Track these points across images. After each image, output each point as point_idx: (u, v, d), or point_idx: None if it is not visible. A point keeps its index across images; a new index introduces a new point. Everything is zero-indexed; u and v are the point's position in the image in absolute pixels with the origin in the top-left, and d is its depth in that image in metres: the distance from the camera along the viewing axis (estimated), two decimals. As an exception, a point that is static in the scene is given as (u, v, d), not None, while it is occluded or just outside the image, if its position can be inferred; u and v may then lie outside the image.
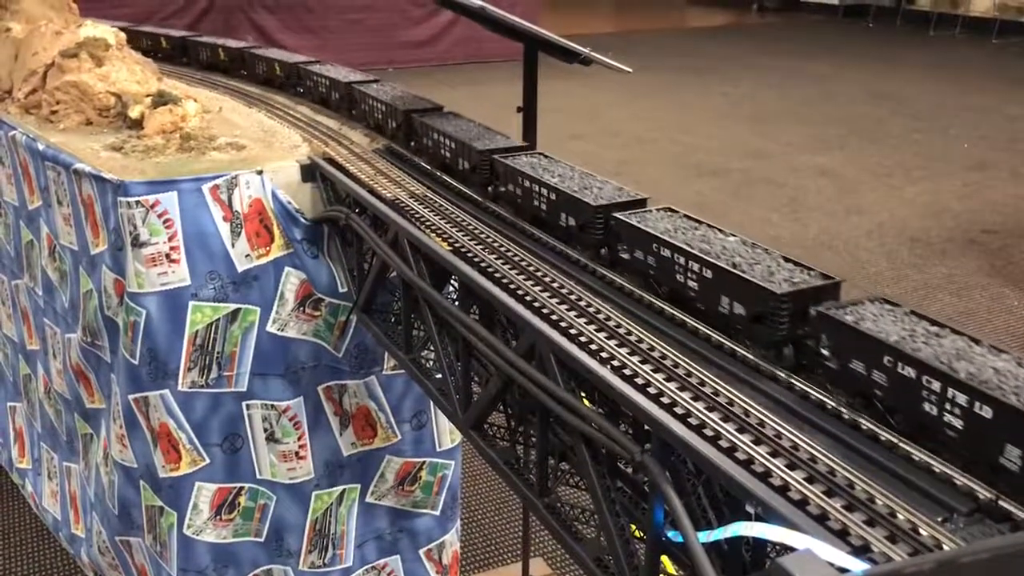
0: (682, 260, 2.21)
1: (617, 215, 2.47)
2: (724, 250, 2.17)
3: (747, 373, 1.99)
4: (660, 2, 26.80)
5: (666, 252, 2.27)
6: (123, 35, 4.42)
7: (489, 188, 3.10)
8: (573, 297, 2.36)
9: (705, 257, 2.15)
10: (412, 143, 3.65)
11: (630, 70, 3.46)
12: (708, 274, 2.13)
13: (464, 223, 2.89)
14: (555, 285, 2.43)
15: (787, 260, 2.11)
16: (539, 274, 2.51)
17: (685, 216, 2.45)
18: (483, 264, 2.59)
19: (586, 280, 2.48)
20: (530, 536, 4.27)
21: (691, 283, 2.19)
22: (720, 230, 2.32)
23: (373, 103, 3.92)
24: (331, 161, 3.50)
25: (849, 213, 9.53)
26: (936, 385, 1.63)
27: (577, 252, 2.63)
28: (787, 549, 1.54)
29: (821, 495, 1.56)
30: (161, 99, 3.92)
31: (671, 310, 2.24)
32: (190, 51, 5.32)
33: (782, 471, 1.62)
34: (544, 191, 2.75)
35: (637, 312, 2.28)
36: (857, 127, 12.74)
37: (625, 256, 2.45)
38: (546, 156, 3.02)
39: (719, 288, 2.10)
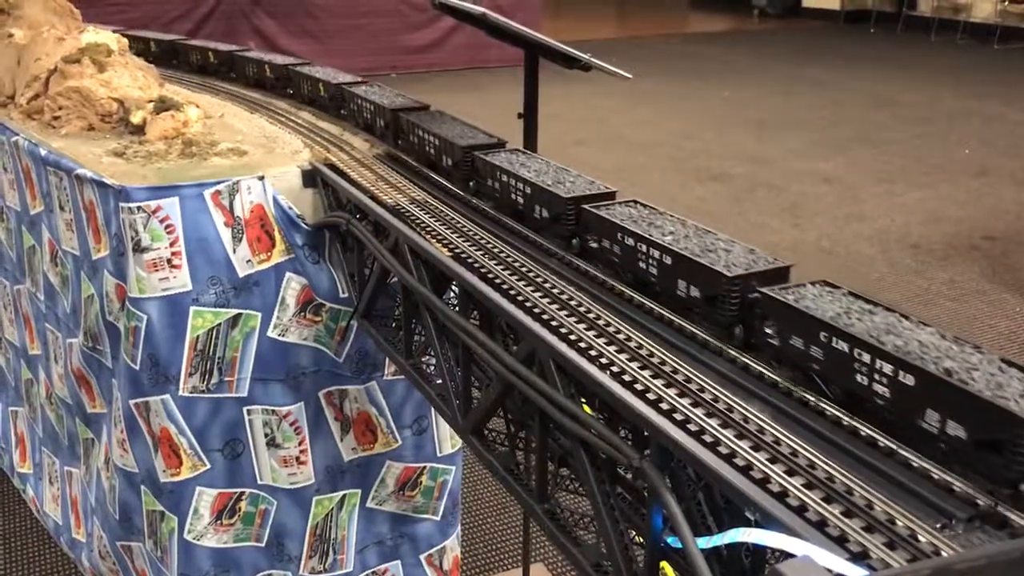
0: (867, 358, 1.75)
1: (764, 291, 2.03)
2: (923, 347, 1.73)
3: (747, 379, 1.99)
4: (662, 7, 26.83)
5: (842, 345, 1.81)
6: (125, 40, 4.43)
7: (574, 241, 2.68)
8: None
9: (903, 358, 1.69)
10: (472, 183, 3.19)
11: (630, 76, 3.46)
12: (908, 380, 1.68)
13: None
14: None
15: (1009, 364, 1.67)
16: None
17: (851, 294, 1.99)
18: (483, 270, 2.60)
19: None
20: (531, 542, 4.27)
21: (879, 388, 1.74)
22: (905, 316, 1.87)
23: (424, 135, 3.48)
24: (332, 167, 3.51)
25: (850, 219, 9.53)
26: None
27: (700, 328, 2.18)
28: (786, 555, 1.54)
29: (820, 501, 1.57)
30: (163, 105, 3.94)
31: (845, 417, 1.80)
32: (237, 66, 5.12)
33: (781, 477, 1.63)
34: (655, 252, 2.30)
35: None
36: (859, 133, 12.74)
37: (774, 342, 1.99)
38: (644, 205, 2.60)
39: (926, 400, 1.65)
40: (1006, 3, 19.15)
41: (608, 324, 2.23)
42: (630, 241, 2.39)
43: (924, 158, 11.61)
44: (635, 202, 2.63)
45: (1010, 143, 12.13)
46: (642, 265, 2.35)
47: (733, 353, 2.06)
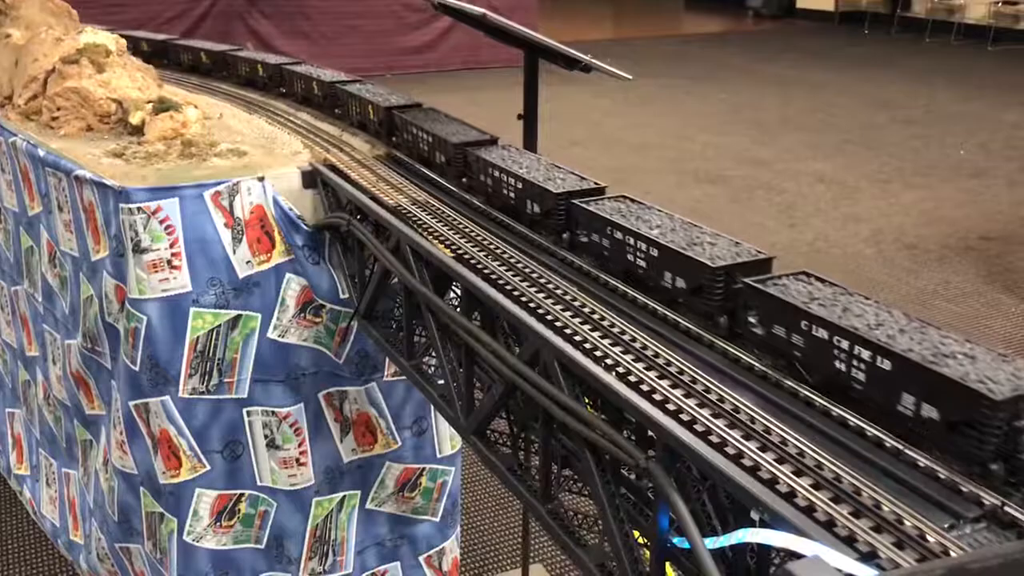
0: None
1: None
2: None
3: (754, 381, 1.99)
4: (656, 9, 26.87)
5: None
6: (123, 41, 4.41)
7: (721, 319, 2.18)
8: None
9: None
10: (567, 234, 2.70)
11: (631, 77, 3.46)
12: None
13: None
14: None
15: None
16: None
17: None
18: (486, 271, 2.59)
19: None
20: (530, 542, 4.27)
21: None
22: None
23: (500, 175, 2.97)
24: (332, 167, 3.51)
25: (846, 220, 9.55)
26: None
27: (875, 425, 1.78)
28: (792, 555, 1.54)
29: (828, 501, 1.57)
30: (162, 105, 3.93)
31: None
32: (286, 82, 4.78)
33: (789, 477, 1.63)
34: (864, 352, 1.79)
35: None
36: (854, 134, 12.77)
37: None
38: (819, 279, 2.08)
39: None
40: (999, 4, 19.21)
41: (613, 324, 2.23)
42: (822, 333, 1.89)
43: (920, 159, 11.64)
44: (805, 274, 2.11)
45: (1005, 144, 12.16)
46: (840, 366, 1.83)
47: (936, 467, 1.66)
